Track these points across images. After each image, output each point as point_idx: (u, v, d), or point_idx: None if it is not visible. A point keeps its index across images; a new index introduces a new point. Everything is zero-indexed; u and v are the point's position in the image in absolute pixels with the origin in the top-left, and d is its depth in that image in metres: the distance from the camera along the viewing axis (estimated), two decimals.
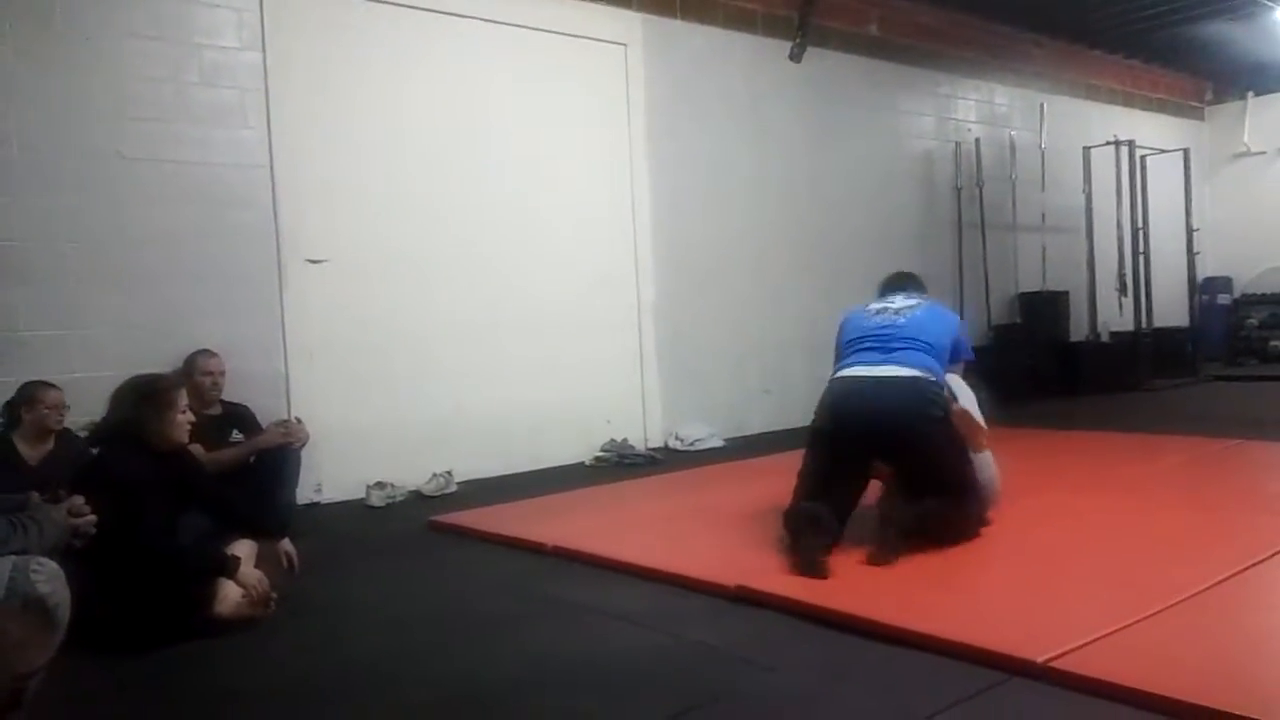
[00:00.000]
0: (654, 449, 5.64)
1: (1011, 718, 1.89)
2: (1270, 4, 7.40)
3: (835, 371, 3.23)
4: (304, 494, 4.18)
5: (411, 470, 4.68)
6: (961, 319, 3.72)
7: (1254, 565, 2.69)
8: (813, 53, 6.59)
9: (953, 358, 3.28)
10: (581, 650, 2.41)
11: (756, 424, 6.20)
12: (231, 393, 4.01)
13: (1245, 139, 10.19)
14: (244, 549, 2.83)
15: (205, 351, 3.92)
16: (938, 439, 2.98)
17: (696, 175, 6.08)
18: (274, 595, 2.72)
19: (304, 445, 3.93)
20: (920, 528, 2.85)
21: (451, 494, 4.63)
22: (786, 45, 6.51)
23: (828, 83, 6.77)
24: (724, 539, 3.31)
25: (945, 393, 3.09)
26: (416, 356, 4.90)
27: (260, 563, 2.84)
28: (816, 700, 2.03)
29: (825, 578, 2.66)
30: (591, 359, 5.56)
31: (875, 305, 3.39)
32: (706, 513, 3.79)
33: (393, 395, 4.81)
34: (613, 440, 5.48)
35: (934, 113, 7.67)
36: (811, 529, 2.81)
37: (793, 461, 3.32)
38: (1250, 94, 10.12)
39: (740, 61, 6.32)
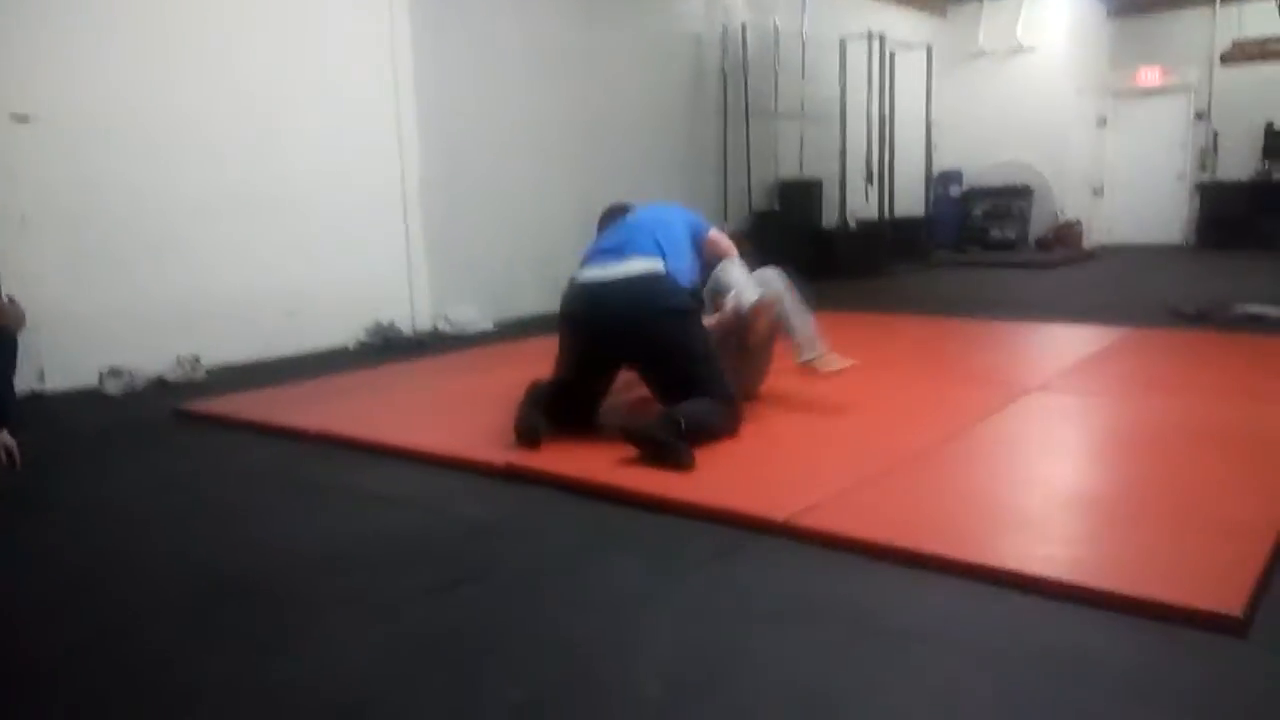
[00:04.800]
0: (422, 332, 5.52)
1: (756, 569, 2.06)
2: None
3: (572, 277, 3.16)
4: (24, 382, 3.77)
5: (153, 356, 4.33)
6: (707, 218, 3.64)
7: (965, 429, 3.05)
8: None
9: (697, 244, 3.29)
10: (346, 532, 2.37)
11: (528, 306, 6.20)
12: None
13: (980, 39, 11.01)
14: None
15: None
16: (676, 334, 2.98)
17: (465, 48, 5.81)
18: None
19: (19, 328, 3.51)
20: (680, 434, 2.73)
21: (199, 381, 4.34)
22: None
23: None
24: (492, 420, 3.32)
25: (690, 288, 3.11)
26: (155, 230, 4.47)
27: None
28: (581, 565, 2.12)
29: (537, 448, 2.86)
30: (354, 238, 5.30)
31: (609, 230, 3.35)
32: (475, 395, 3.78)
33: (128, 273, 4.39)
34: (378, 323, 5.30)
35: None
36: (534, 408, 2.99)
37: None
38: None
39: None
